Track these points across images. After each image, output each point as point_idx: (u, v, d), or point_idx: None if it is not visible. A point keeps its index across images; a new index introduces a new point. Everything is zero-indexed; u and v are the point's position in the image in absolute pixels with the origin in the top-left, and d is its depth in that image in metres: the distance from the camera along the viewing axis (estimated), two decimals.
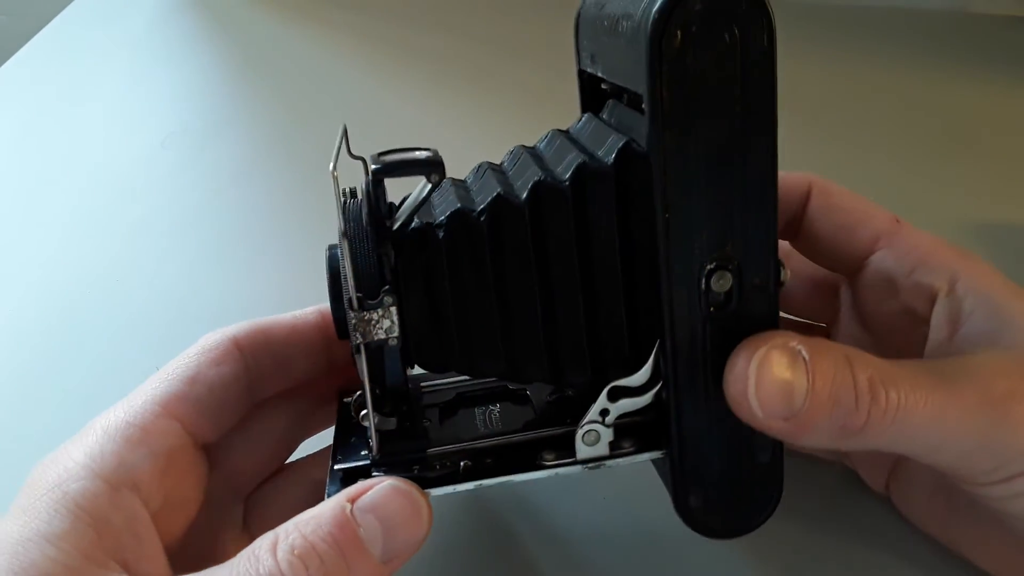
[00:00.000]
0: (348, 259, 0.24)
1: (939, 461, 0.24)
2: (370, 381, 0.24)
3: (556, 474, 0.25)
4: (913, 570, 0.29)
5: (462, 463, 0.25)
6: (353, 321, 0.24)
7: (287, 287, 0.43)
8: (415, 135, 0.54)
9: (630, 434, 0.25)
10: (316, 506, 0.23)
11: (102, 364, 0.41)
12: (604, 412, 0.25)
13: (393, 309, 0.24)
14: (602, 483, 0.32)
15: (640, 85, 0.22)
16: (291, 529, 0.22)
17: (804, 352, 0.23)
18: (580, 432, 0.25)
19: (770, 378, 0.23)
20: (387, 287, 0.24)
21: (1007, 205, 0.46)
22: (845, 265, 0.29)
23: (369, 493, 0.22)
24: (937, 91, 0.55)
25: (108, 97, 0.62)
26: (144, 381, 0.27)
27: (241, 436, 0.28)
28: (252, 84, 0.63)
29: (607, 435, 0.25)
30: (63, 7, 0.73)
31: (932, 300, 0.27)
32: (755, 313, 0.23)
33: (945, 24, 0.63)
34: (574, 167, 0.24)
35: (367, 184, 0.25)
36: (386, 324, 0.24)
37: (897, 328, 0.28)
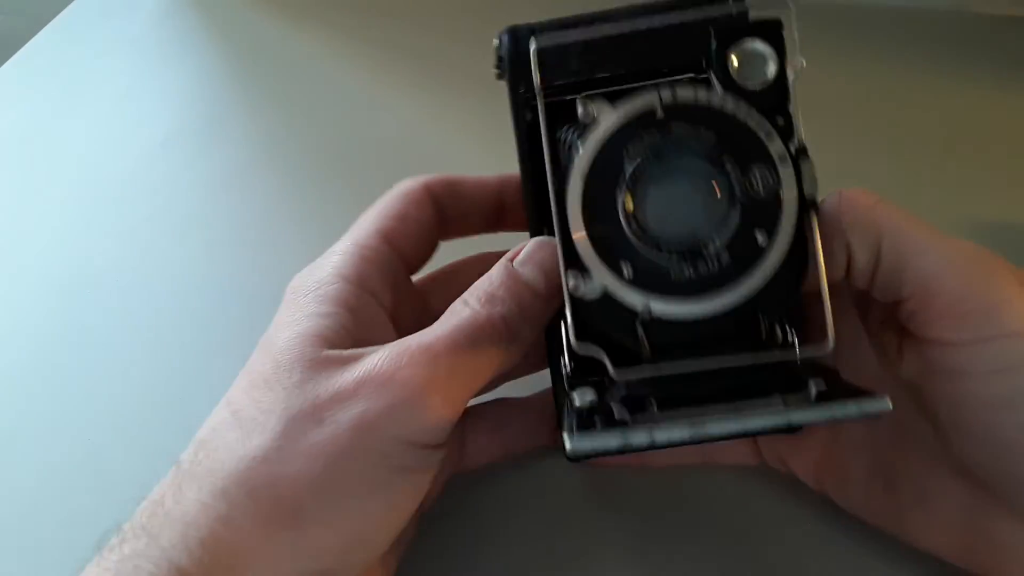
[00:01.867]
0: None
1: (921, 269, 0.24)
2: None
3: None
4: None
5: None
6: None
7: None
8: (416, 137, 0.54)
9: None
10: (485, 275, 0.28)
11: (101, 364, 0.41)
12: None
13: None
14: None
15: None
16: (473, 290, 0.27)
17: None
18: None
19: None
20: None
21: (1007, 205, 0.46)
22: None
23: (523, 249, 0.28)
24: (937, 91, 0.55)
25: (108, 97, 0.62)
26: (358, 221, 0.32)
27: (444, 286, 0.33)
28: (252, 84, 0.63)
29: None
30: (63, 7, 0.72)
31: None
32: None
33: (945, 24, 0.63)
34: None
35: None
36: None
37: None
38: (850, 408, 0.20)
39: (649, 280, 0.22)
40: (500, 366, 0.27)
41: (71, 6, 0.73)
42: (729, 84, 0.22)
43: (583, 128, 0.22)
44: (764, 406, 0.20)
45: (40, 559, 0.33)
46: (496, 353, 0.26)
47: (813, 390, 0.21)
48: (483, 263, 0.32)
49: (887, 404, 0.20)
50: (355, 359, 0.26)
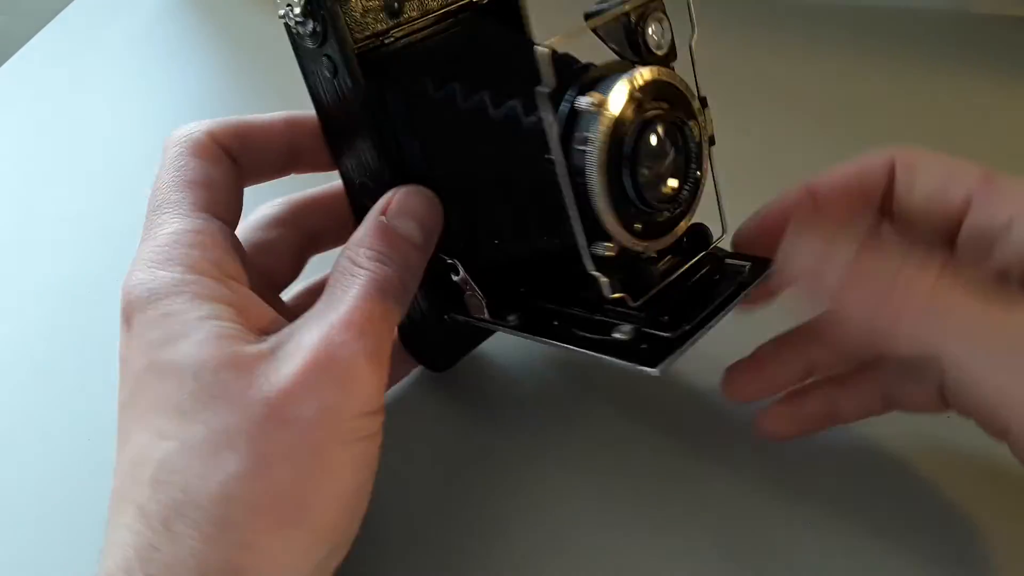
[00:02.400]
0: None
1: (980, 388, 0.23)
2: None
3: None
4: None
5: None
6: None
7: None
8: None
9: None
10: (359, 227, 0.28)
11: (99, 363, 0.41)
12: None
13: None
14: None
15: None
16: (357, 250, 0.27)
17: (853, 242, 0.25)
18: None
19: (806, 253, 0.25)
20: None
21: None
22: (942, 236, 0.28)
23: (393, 202, 0.28)
24: (937, 91, 0.55)
25: (108, 97, 0.62)
26: (153, 193, 0.29)
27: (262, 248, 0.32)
28: (252, 84, 0.63)
29: None
30: (63, 7, 0.73)
31: None
32: None
33: (945, 24, 0.63)
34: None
35: None
36: None
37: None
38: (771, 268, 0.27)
39: (650, 230, 0.26)
40: (399, 318, 0.28)
41: (71, 6, 0.73)
42: (650, 57, 0.26)
43: (587, 118, 0.24)
44: (731, 297, 0.27)
45: (40, 559, 0.33)
46: (397, 308, 0.27)
47: (746, 271, 0.28)
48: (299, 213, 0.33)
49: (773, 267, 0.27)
50: (278, 349, 0.25)
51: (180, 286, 0.26)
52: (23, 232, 0.50)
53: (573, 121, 0.24)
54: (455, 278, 0.31)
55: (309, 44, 0.29)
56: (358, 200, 0.31)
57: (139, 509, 0.23)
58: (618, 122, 0.24)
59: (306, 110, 0.32)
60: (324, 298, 0.27)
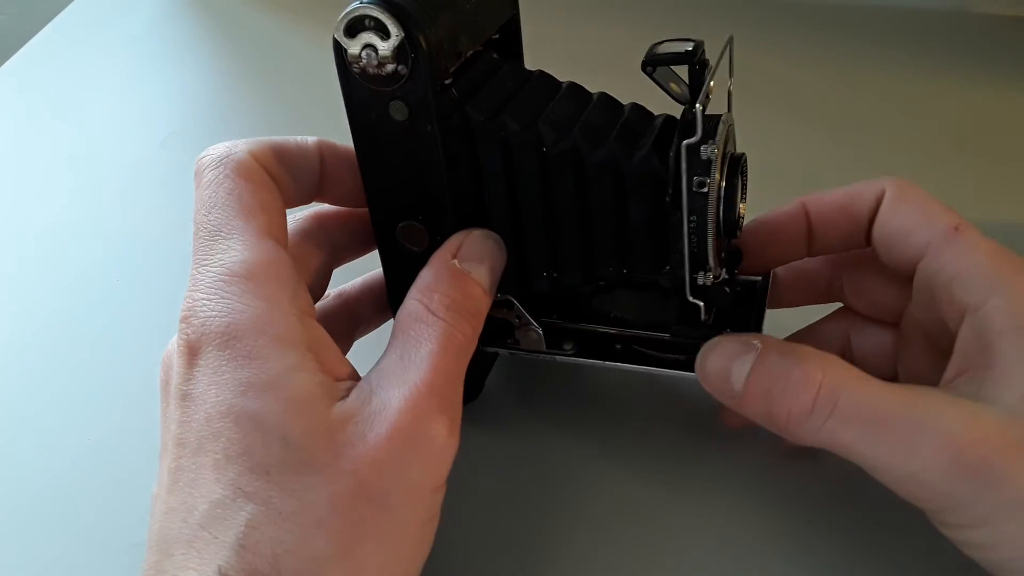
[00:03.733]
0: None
1: (883, 480, 0.25)
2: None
3: None
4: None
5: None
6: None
7: None
8: None
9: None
10: (427, 269, 0.28)
11: (101, 363, 0.41)
12: None
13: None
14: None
15: None
16: (427, 294, 0.27)
17: (758, 344, 0.27)
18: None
19: (714, 361, 0.27)
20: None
21: (1007, 205, 0.46)
22: (903, 272, 0.29)
23: (464, 245, 0.28)
24: (937, 91, 0.55)
25: (108, 97, 0.62)
26: (204, 216, 0.27)
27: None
28: (252, 84, 0.63)
29: None
30: (63, 7, 0.73)
31: (963, 319, 0.26)
32: None
33: (945, 24, 0.63)
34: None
35: None
36: None
37: (941, 341, 0.27)
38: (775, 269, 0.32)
39: (722, 251, 0.28)
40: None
41: (71, 6, 0.73)
42: (706, 100, 0.27)
43: (707, 164, 0.26)
44: (762, 302, 0.31)
45: (40, 558, 0.33)
46: (467, 363, 0.27)
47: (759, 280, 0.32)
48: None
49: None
50: (361, 410, 0.24)
51: (262, 324, 0.24)
52: (23, 232, 0.50)
53: (695, 167, 0.26)
54: (504, 313, 0.31)
55: (378, 87, 0.27)
56: (391, 245, 0.30)
57: (220, 574, 0.22)
58: (722, 164, 0.26)
59: (318, 124, 0.31)
60: (398, 346, 0.26)
